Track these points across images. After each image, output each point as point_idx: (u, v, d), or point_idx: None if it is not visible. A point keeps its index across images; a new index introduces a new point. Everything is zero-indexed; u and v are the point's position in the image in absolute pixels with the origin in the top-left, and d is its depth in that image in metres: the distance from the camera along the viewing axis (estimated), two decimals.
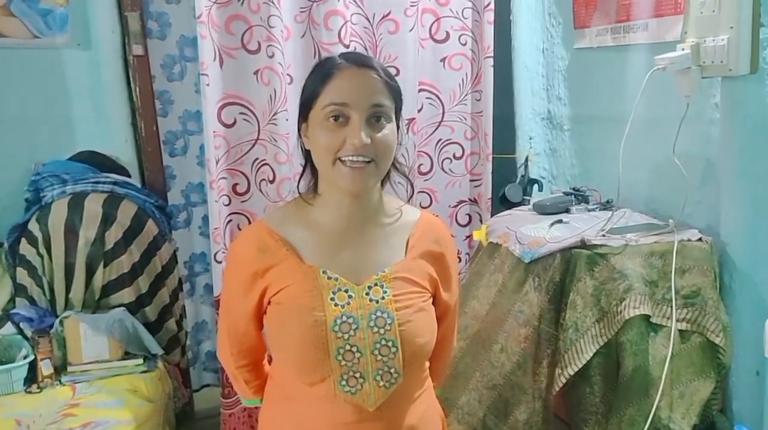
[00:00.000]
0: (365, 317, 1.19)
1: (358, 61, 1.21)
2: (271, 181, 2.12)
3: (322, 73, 1.20)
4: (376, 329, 1.18)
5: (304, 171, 1.30)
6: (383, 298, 1.20)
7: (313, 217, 1.24)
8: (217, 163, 2.01)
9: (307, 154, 1.26)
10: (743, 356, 1.73)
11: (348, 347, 1.18)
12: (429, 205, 2.43)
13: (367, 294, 1.20)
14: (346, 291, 1.20)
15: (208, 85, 1.97)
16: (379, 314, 1.19)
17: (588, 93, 2.41)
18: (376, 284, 1.21)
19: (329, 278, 1.20)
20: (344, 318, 1.18)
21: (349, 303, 1.19)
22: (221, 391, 2.15)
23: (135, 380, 2.24)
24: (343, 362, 1.17)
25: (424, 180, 2.41)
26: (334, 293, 1.20)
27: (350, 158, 1.15)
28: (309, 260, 1.21)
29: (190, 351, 3.05)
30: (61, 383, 2.20)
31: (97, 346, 2.27)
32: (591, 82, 2.39)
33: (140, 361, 2.31)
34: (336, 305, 1.19)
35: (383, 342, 1.19)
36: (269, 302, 1.23)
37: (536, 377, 1.71)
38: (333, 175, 1.18)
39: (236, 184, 2.08)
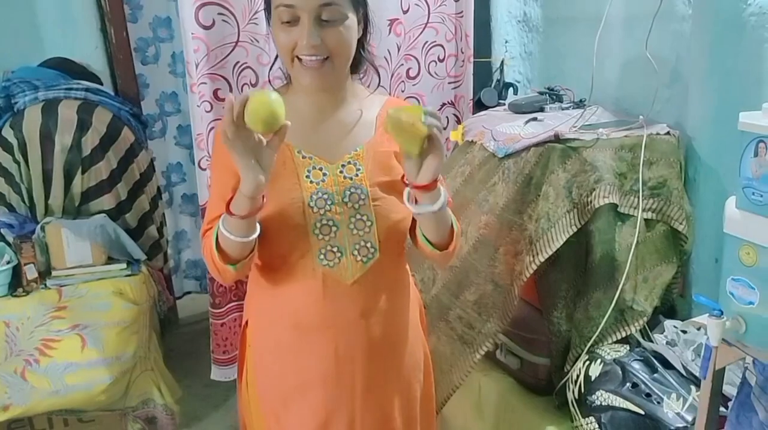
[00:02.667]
0: (340, 194, 1.25)
1: None
2: (254, 85, 2.11)
3: None
4: (351, 204, 1.25)
5: (274, 62, 1.36)
6: (357, 175, 1.26)
7: (288, 102, 1.27)
8: (197, 66, 1.99)
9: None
10: (704, 244, 1.82)
11: (324, 221, 1.24)
12: None
13: (341, 172, 1.26)
14: (321, 169, 1.26)
15: None
16: (353, 190, 1.25)
17: None
18: (349, 163, 1.27)
19: (304, 157, 1.26)
20: (320, 194, 1.24)
21: (323, 180, 1.25)
22: (211, 301, 2.19)
23: (120, 284, 2.29)
24: (321, 236, 1.24)
25: (413, 85, 2.41)
26: (309, 171, 1.25)
27: (305, 57, 1.19)
28: (285, 140, 1.24)
29: (172, 259, 3.11)
30: (46, 286, 2.24)
31: (80, 251, 2.30)
32: None
33: (123, 265, 2.35)
34: (311, 182, 1.25)
35: (358, 216, 1.25)
36: None
37: (491, 263, 1.79)
38: (294, 73, 1.23)
39: (217, 89, 2.05)
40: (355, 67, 1.32)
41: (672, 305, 1.86)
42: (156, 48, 2.94)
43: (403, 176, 1.31)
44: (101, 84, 2.60)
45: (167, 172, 3.13)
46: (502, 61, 2.58)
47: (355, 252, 1.26)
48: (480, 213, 1.84)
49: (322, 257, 1.25)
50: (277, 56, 1.34)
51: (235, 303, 2.23)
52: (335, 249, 1.25)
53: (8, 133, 2.29)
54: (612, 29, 1.86)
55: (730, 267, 1.21)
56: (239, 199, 1.14)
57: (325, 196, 1.25)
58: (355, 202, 1.25)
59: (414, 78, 2.40)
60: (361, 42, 1.29)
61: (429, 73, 2.41)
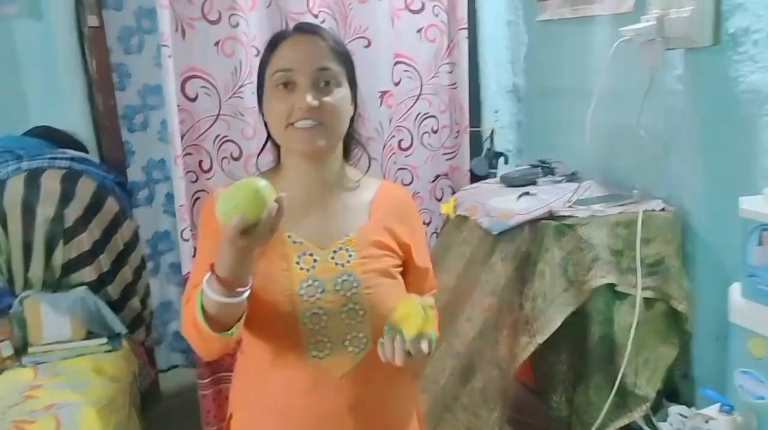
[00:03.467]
0: (331, 281, 1.19)
1: (305, 28, 1.24)
2: (236, 158, 2.08)
3: (271, 44, 1.24)
4: (342, 293, 1.19)
5: (264, 145, 1.32)
6: (349, 261, 1.21)
7: (278, 186, 1.24)
8: (182, 138, 1.97)
9: (267, 126, 1.27)
10: (704, 322, 1.78)
11: (314, 310, 1.18)
12: (411, 183, 2.40)
13: (332, 258, 1.21)
14: (311, 255, 1.21)
15: (169, 56, 1.91)
16: (345, 277, 1.20)
17: (553, 65, 2.42)
18: (341, 248, 1.22)
19: (294, 242, 1.21)
20: (310, 281, 1.19)
21: (314, 266, 1.20)
22: (198, 372, 2.12)
23: (99, 360, 2.21)
24: (310, 325, 1.18)
25: (405, 156, 2.39)
26: (299, 256, 1.20)
27: (300, 122, 1.17)
28: None
29: (156, 331, 3.01)
30: (21, 364, 2.15)
31: (58, 326, 2.23)
32: (555, 55, 2.39)
33: (104, 340, 2.28)
34: (301, 268, 1.20)
35: (350, 305, 1.19)
36: None
37: (495, 346, 1.73)
38: (287, 140, 1.20)
39: (201, 160, 2.03)
40: (347, 151, 1.30)
41: (675, 387, 1.79)
42: (145, 116, 2.91)
43: (399, 265, 1.27)
44: (87, 152, 2.56)
45: (154, 241, 3.05)
46: (492, 131, 2.58)
47: (347, 343, 1.19)
48: (483, 295, 1.79)
49: (311, 347, 1.19)
50: (266, 141, 1.31)
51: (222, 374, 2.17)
52: (325, 340, 1.19)
53: None
54: (602, 101, 1.86)
55: (737, 359, 1.16)
56: (225, 253, 1.03)
57: (316, 284, 1.19)
58: (347, 290, 1.20)
59: (407, 149, 2.38)
60: (352, 123, 1.27)
61: (422, 144, 2.39)
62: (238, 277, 1.05)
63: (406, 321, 1.08)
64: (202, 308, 1.08)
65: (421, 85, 2.35)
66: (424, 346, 1.08)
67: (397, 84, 2.32)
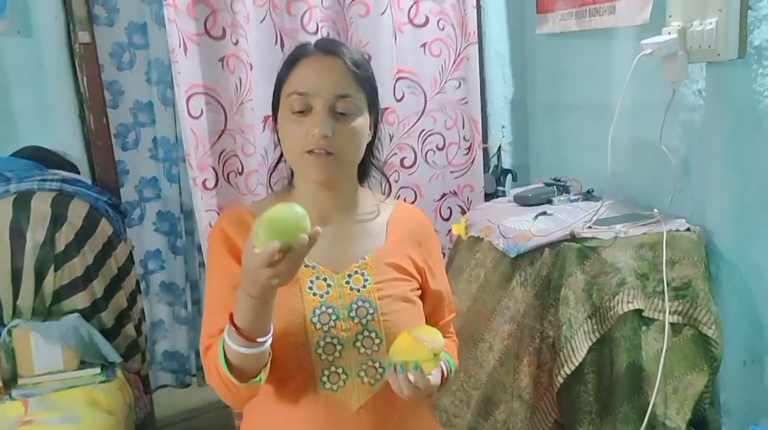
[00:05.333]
0: (345, 307, 1.14)
1: (326, 48, 1.17)
2: (240, 173, 2.01)
3: (290, 59, 1.18)
4: (357, 320, 1.13)
5: (277, 164, 1.27)
6: (364, 286, 1.15)
7: None
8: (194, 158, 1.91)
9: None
10: (731, 346, 1.70)
11: (328, 340, 1.12)
12: (414, 201, 2.33)
13: (347, 283, 1.16)
14: (325, 280, 1.15)
15: (179, 73, 1.83)
16: (360, 303, 1.14)
17: (562, 80, 2.36)
18: (356, 272, 1.17)
19: (306, 265, 1.15)
20: (323, 308, 1.13)
21: (328, 292, 1.15)
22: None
23: (92, 392, 2.10)
24: (324, 356, 1.12)
25: (408, 174, 2.31)
26: (312, 281, 1.15)
27: (312, 149, 1.12)
28: None
29: (148, 353, 2.92)
30: (11, 397, 2.05)
31: (49, 356, 2.13)
32: (565, 69, 2.33)
33: (97, 370, 2.17)
34: (314, 294, 1.14)
35: (366, 333, 1.13)
36: None
37: (516, 375, 1.65)
38: (299, 166, 1.16)
39: (206, 179, 1.95)
40: (363, 175, 1.25)
41: (704, 416, 1.72)
42: (137, 133, 2.84)
43: (417, 288, 1.21)
44: (78, 173, 2.46)
45: (144, 260, 2.97)
46: (500, 147, 2.51)
47: (362, 373, 1.13)
48: (503, 322, 1.71)
49: (324, 379, 1.12)
50: (279, 159, 1.25)
51: None
52: (340, 370, 1.12)
53: None
54: (620, 117, 1.79)
55: None
56: (245, 302, 0.99)
57: (329, 311, 1.13)
58: (363, 317, 1.13)
59: (409, 167, 2.30)
60: (370, 147, 1.22)
61: (426, 161, 2.32)
62: (258, 327, 1.00)
63: (401, 354, 1.05)
64: (225, 359, 1.03)
65: (425, 101, 2.27)
66: (428, 377, 1.05)
67: (400, 100, 2.24)
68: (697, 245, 1.69)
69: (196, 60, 1.87)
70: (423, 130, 2.29)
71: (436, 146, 2.31)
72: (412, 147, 2.29)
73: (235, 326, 1.00)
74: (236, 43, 1.89)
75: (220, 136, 1.96)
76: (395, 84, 2.23)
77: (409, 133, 2.28)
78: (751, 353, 1.69)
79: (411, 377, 1.03)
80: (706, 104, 1.74)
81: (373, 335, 1.13)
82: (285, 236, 0.92)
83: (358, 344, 1.13)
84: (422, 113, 2.27)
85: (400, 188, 2.30)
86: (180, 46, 1.79)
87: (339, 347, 1.12)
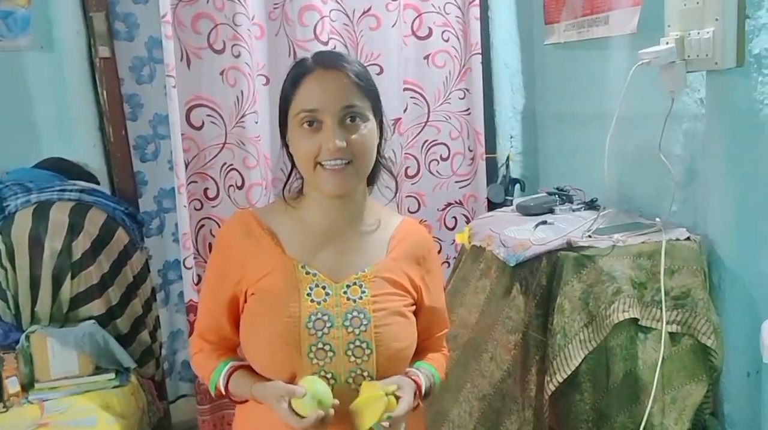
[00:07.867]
0: (340, 316, 1.17)
1: (327, 62, 1.20)
2: (240, 187, 2.04)
3: (292, 77, 1.21)
4: (351, 329, 1.17)
5: (290, 176, 1.30)
6: (361, 298, 1.19)
7: (299, 214, 1.25)
8: (186, 166, 1.94)
9: (291, 157, 1.26)
10: (734, 357, 1.69)
11: (320, 345, 1.16)
12: (417, 210, 2.35)
13: (344, 292, 1.19)
14: (324, 287, 1.19)
15: (174, 86, 1.89)
16: (355, 313, 1.18)
17: (567, 90, 2.37)
18: (354, 283, 1.20)
19: (307, 272, 1.20)
20: (319, 315, 1.17)
21: (325, 300, 1.18)
22: (196, 398, 2.07)
23: (107, 396, 2.15)
24: (315, 361, 1.16)
25: (412, 184, 2.33)
26: (311, 288, 1.19)
27: (329, 162, 1.15)
28: (290, 252, 1.21)
29: (166, 361, 2.97)
30: (28, 401, 2.10)
31: (66, 361, 2.18)
32: (569, 79, 2.34)
33: (112, 375, 2.22)
34: (312, 301, 1.18)
35: (357, 343, 1.17)
36: (246, 300, 1.22)
37: (525, 385, 1.66)
38: (315, 180, 1.19)
39: (207, 188, 2.00)
40: (371, 177, 1.28)
41: (705, 427, 1.70)
42: (156, 145, 2.89)
43: (412, 303, 1.25)
44: (98, 183, 2.53)
45: (164, 270, 3.01)
46: (508, 157, 2.52)
47: (350, 380, 1.16)
48: (505, 332, 1.71)
49: None
50: (291, 170, 1.29)
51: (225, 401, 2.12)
52: (329, 375, 1.15)
53: None
54: (621, 126, 1.80)
55: None
56: (245, 395, 1.22)
57: (325, 318, 1.17)
58: (356, 327, 1.17)
59: (413, 177, 2.32)
60: (378, 149, 1.25)
61: (430, 171, 2.34)
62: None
63: (368, 419, 1.11)
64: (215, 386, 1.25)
65: (428, 113, 2.30)
66: (398, 409, 1.11)
67: (404, 111, 2.27)
68: (697, 254, 1.68)
69: (200, 72, 1.92)
70: (426, 141, 2.32)
71: (440, 156, 2.34)
72: (415, 157, 2.31)
73: (227, 387, 1.22)
74: (237, 56, 1.94)
75: (221, 149, 2.00)
76: (402, 95, 2.26)
77: (412, 144, 2.30)
78: (754, 363, 1.67)
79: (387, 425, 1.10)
80: (707, 113, 1.73)
81: (364, 345, 1.16)
82: (318, 407, 1.09)
83: (349, 352, 1.16)
84: (425, 124, 2.30)
85: (404, 197, 2.32)
86: (183, 60, 1.85)
87: (330, 354, 1.16)
